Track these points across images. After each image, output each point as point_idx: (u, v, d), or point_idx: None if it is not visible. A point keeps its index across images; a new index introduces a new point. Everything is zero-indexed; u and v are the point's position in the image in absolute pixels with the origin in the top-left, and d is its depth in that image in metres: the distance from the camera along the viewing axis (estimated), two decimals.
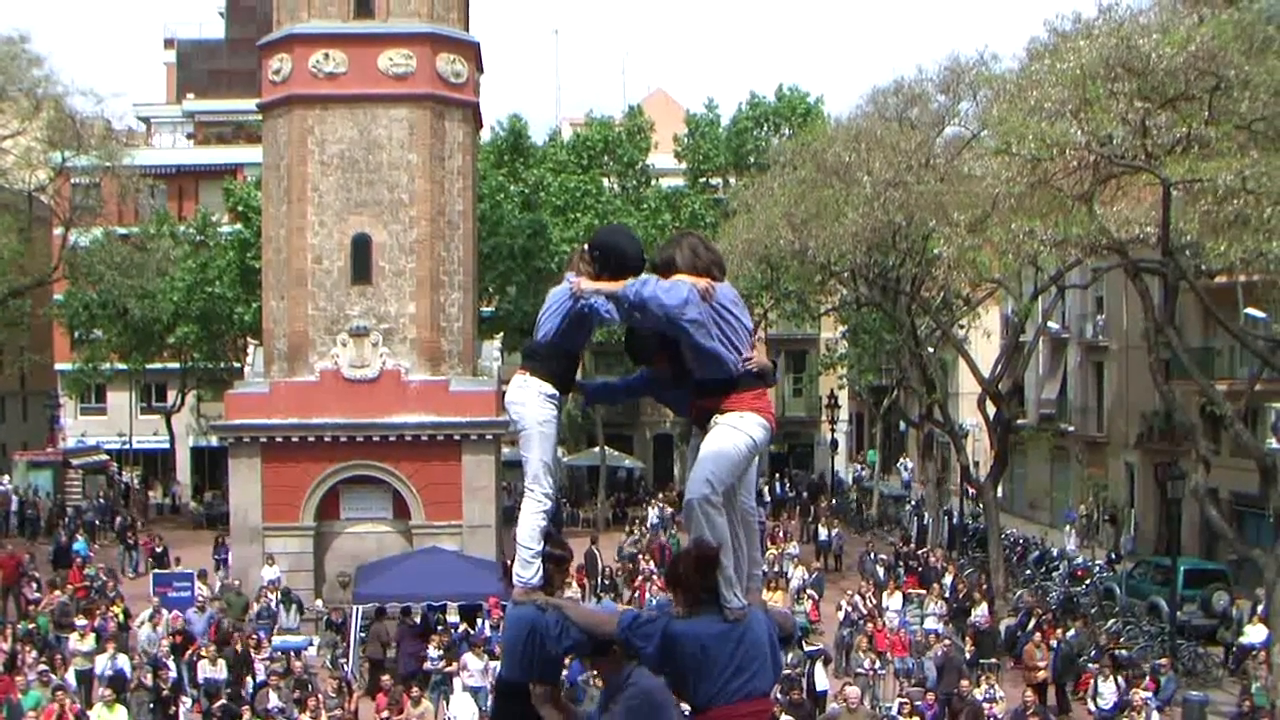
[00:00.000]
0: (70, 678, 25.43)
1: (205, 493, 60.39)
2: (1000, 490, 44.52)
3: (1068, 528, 50.34)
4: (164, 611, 30.53)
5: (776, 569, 36.47)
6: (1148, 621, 33.97)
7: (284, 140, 38.00)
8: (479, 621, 30.47)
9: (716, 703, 6.06)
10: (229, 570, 38.27)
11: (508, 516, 45.92)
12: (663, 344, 6.57)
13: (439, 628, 29.98)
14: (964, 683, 24.93)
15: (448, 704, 25.56)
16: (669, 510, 50.46)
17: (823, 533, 47.49)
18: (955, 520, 50.09)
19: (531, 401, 6.61)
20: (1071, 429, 55.21)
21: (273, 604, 32.91)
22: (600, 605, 7.64)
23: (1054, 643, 31.25)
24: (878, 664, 28.20)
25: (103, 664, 25.41)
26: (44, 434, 64.66)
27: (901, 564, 41.65)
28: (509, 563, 35.14)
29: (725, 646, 6.07)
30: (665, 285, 6.22)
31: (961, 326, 46.91)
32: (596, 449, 55.90)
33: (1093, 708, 25.51)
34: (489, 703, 23.15)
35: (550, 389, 6.64)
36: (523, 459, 6.68)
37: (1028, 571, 42.38)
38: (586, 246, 6.73)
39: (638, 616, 6.27)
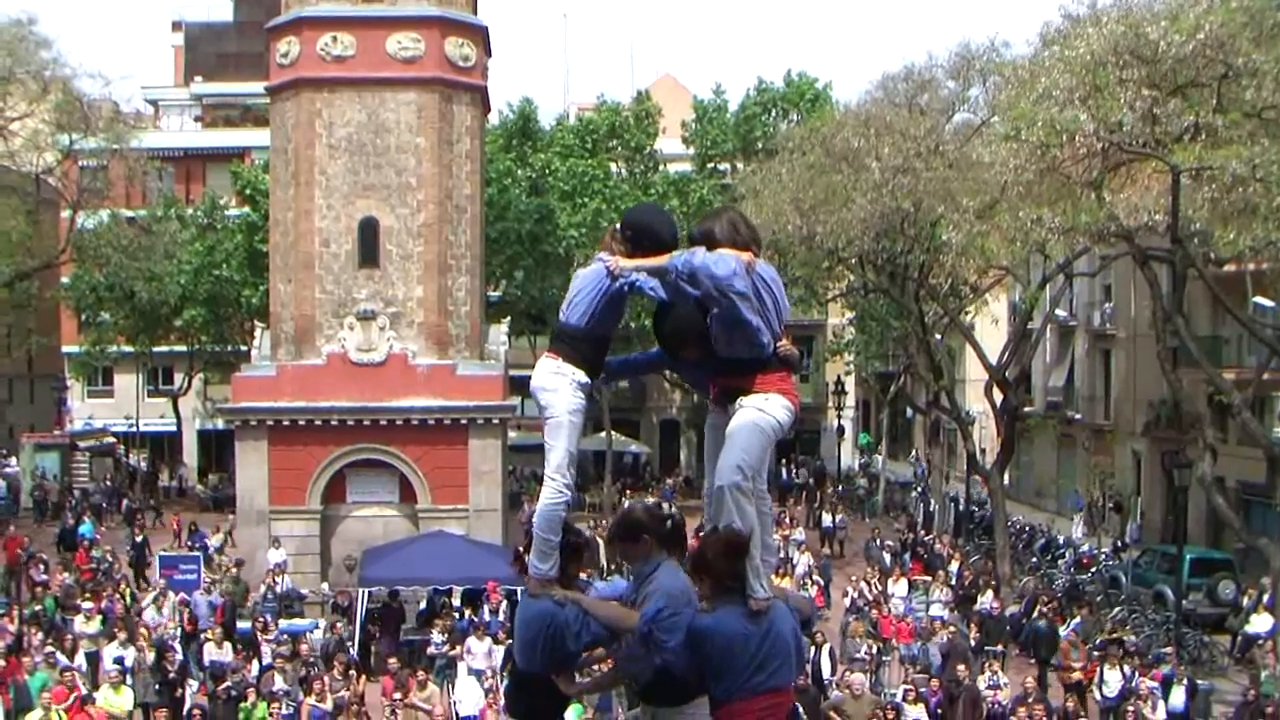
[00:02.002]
0: (81, 660, 25.47)
1: (209, 475, 60.44)
2: (1007, 477, 44.53)
3: (1076, 516, 50.30)
4: (170, 594, 30.60)
5: (782, 555, 36.49)
6: (1153, 610, 33.97)
7: (292, 123, 37.97)
8: (483, 606, 30.47)
9: (736, 697, 6.02)
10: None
11: (513, 501, 46.12)
12: (700, 336, 6.48)
13: (444, 611, 30.03)
14: (960, 668, 24.91)
15: (452, 688, 25.59)
16: (653, 500, 50.24)
17: (826, 519, 47.41)
18: (961, 507, 50.09)
19: (564, 389, 6.50)
20: (1078, 417, 55.20)
21: (279, 588, 32.96)
22: (611, 585, 7.63)
23: (1061, 630, 31.35)
24: (875, 649, 28.18)
25: (110, 652, 25.43)
26: (51, 416, 64.76)
27: (907, 551, 41.68)
28: (520, 548, 35.18)
29: (751, 643, 6.03)
30: (713, 257, 6.16)
31: (969, 313, 46.86)
32: (603, 434, 55.88)
33: (1098, 696, 25.48)
34: (504, 688, 23.22)
35: (583, 376, 6.52)
36: (547, 446, 6.55)
37: (1033, 559, 42.36)
38: (619, 226, 6.62)
39: (661, 610, 6.18)
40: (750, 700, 6.01)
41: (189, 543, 40.25)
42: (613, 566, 22.63)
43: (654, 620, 6.15)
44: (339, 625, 28.71)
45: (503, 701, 19.93)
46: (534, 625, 6.48)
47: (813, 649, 25.02)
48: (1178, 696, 24.18)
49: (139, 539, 40.04)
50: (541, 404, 6.58)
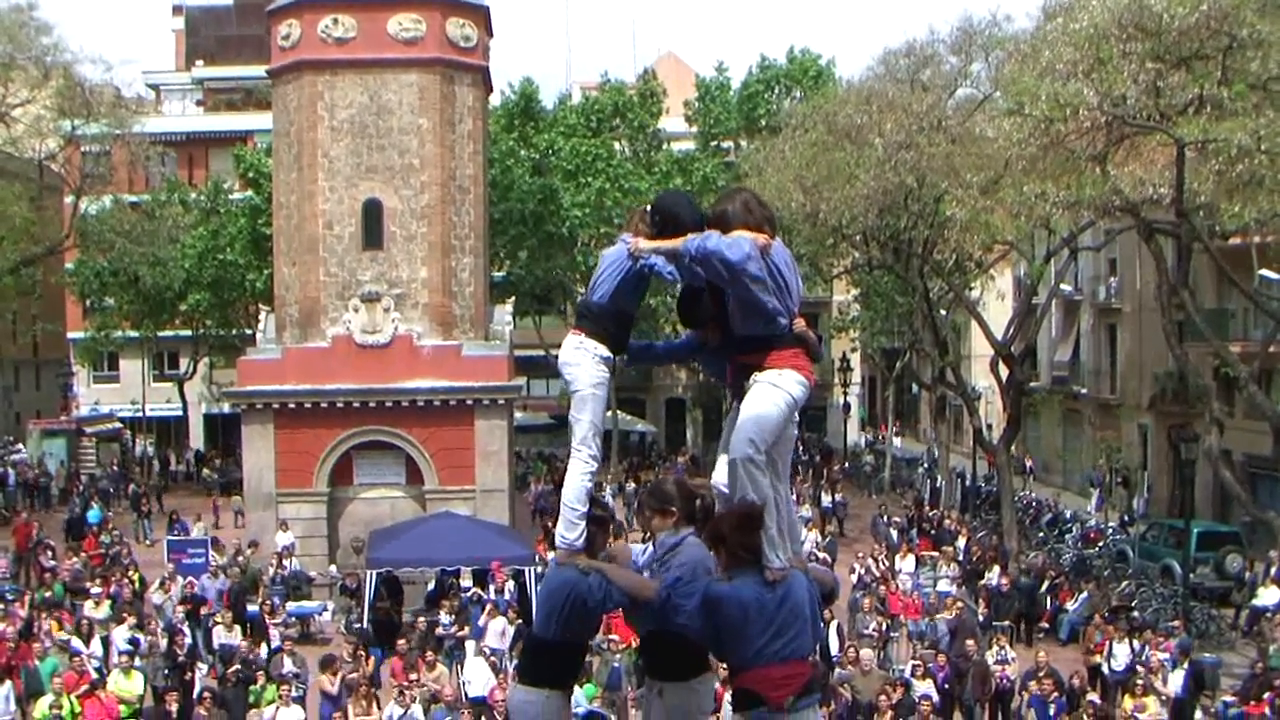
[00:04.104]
0: (96, 645, 25.57)
1: (211, 459, 60.46)
2: (1014, 452, 44.51)
3: (1094, 491, 50.30)
4: (178, 578, 30.69)
5: None
6: (1160, 584, 34.00)
7: (294, 106, 37.91)
8: (490, 587, 30.54)
9: (754, 664, 6.07)
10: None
11: (520, 482, 46.15)
12: (718, 313, 6.60)
13: (451, 592, 30.08)
14: (969, 643, 24.94)
15: (461, 669, 25.64)
16: (633, 486, 49.67)
17: (825, 499, 47.24)
18: (968, 483, 50.12)
19: (586, 363, 6.61)
20: (1084, 391, 55.18)
21: (288, 571, 33.04)
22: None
23: (1069, 604, 31.42)
24: (885, 625, 28.25)
25: (121, 635, 25.52)
26: (57, 402, 64.89)
27: (914, 527, 41.71)
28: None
29: (766, 609, 6.07)
30: (727, 240, 6.22)
31: (974, 289, 46.86)
32: (609, 413, 55.90)
33: (1107, 670, 25.50)
34: (515, 660, 23.29)
35: (605, 351, 6.64)
36: (572, 419, 6.68)
37: (1040, 534, 42.38)
38: (647, 208, 6.73)
39: (679, 578, 6.27)
40: (768, 667, 6.06)
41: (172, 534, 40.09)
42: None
43: (673, 588, 6.25)
44: (420, 621, 28.50)
45: (513, 670, 20.03)
46: (557, 593, 6.56)
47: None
48: (1176, 680, 24.02)
49: (107, 536, 39.21)
50: (566, 379, 6.71)
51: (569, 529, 6.60)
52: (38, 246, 50.42)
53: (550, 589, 6.68)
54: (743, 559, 6.11)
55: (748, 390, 6.43)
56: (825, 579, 6.99)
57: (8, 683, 22.87)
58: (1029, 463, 58.65)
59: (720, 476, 6.74)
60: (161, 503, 48.93)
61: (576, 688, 21.93)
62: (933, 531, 39.95)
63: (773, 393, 6.35)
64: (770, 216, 6.50)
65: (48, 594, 30.59)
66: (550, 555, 26.87)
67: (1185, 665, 24.48)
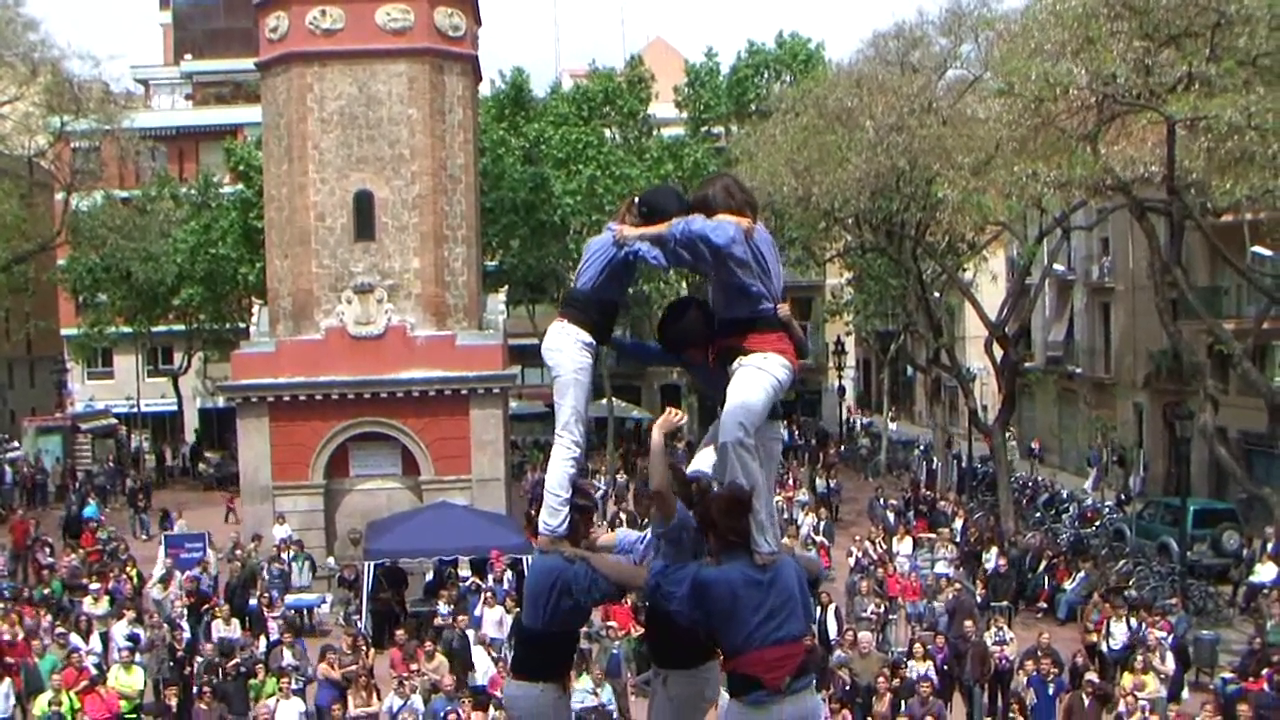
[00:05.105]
0: (95, 641, 25.56)
1: (206, 454, 60.38)
2: (1017, 433, 44.51)
3: (1093, 470, 50.32)
4: (176, 573, 30.68)
5: (786, 516, 36.55)
6: (1158, 562, 34.02)
7: (283, 98, 37.84)
8: (489, 576, 30.54)
9: (747, 647, 6.09)
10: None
11: (516, 470, 46.14)
12: (704, 336, 6.65)
13: (450, 581, 30.07)
14: (967, 624, 24.95)
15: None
16: (623, 477, 49.69)
17: (820, 485, 47.19)
18: (964, 464, 50.14)
19: (569, 349, 6.66)
20: (1079, 371, 55.21)
21: (286, 561, 33.01)
22: (619, 538, 7.82)
23: (1067, 584, 31.46)
24: (884, 608, 28.27)
25: (120, 630, 25.51)
26: (52, 399, 64.84)
27: (911, 509, 41.72)
28: (530, 512, 35.25)
29: (755, 592, 6.10)
30: (711, 224, 6.27)
31: (967, 270, 46.83)
32: (604, 400, 55.91)
33: (1105, 648, 25.53)
34: (509, 650, 23.27)
35: (588, 337, 6.68)
36: (556, 405, 6.73)
37: (1037, 514, 42.41)
38: (636, 199, 6.77)
39: (668, 565, 6.30)
40: (762, 650, 6.08)
41: (164, 530, 39.92)
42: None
43: (661, 574, 6.24)
44: (459, 620, 28.15)
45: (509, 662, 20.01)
46: (542, 580, 6.59)
47: (818, 609, 25.10)
48: (1169, 663, 23.97)
49: (101, 535, 38.51)
50: (550, 365, 6.77)
51: (552, 515, 6.64)
52: (29, 243, 50.40)
53: (536, 577, 6.71)
54: (732, 543, 6.13)
55: (733, 374, 6.46)
56: (811, 565, 7.04)
57: (7, 680, 22.88)
58: (1036, 445, 58.67)
59: (694, 468, 6.79)
60: (149, 499, 48.65)
61: (591, 683, 22.03)
62: (929, 513, 39.97)
63: (759, 376, 6.39)
64: (752, 200, 6.54)
65: (46, 591, 30.57)
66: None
67: (1168, 639, 24.52)
